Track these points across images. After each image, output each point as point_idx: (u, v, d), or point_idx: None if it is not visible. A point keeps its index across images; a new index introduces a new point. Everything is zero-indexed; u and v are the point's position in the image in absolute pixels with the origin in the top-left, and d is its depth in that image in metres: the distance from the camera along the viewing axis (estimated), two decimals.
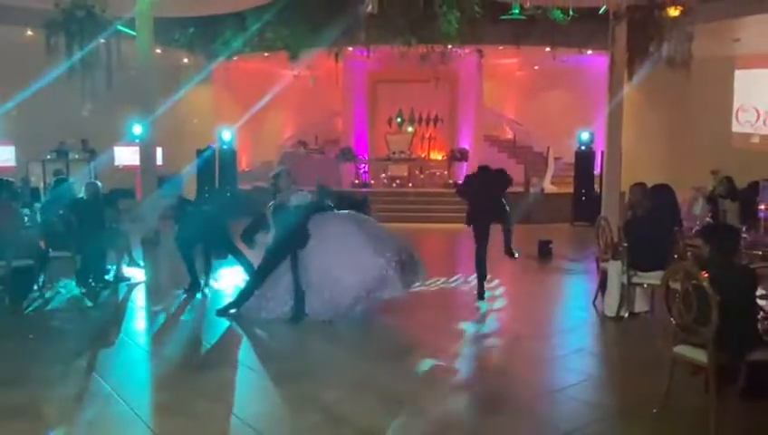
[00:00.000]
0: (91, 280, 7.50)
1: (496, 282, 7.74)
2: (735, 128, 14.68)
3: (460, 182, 7.56)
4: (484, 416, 4.27)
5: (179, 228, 7.59)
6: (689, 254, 5.95)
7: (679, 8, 7.67)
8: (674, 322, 4.04)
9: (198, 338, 5.93)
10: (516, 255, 7.73)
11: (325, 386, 4.64)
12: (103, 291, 7.47)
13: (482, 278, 7.23)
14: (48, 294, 7.19)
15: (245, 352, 5.67)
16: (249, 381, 4.94)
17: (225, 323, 6.26)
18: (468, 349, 5.66)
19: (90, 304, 7.02)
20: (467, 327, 6.28)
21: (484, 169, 7.73)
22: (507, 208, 7.44)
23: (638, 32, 8.15)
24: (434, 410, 4.32)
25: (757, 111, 14.23)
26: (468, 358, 5.39)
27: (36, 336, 5.90)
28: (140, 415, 4.14)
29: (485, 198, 7.24)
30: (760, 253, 5.93)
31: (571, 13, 12.68)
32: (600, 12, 10.86)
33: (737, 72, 14.35)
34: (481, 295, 7.17)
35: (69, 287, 7.47)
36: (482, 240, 7.16)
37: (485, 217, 7.21)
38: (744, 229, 6.84)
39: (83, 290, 7.32)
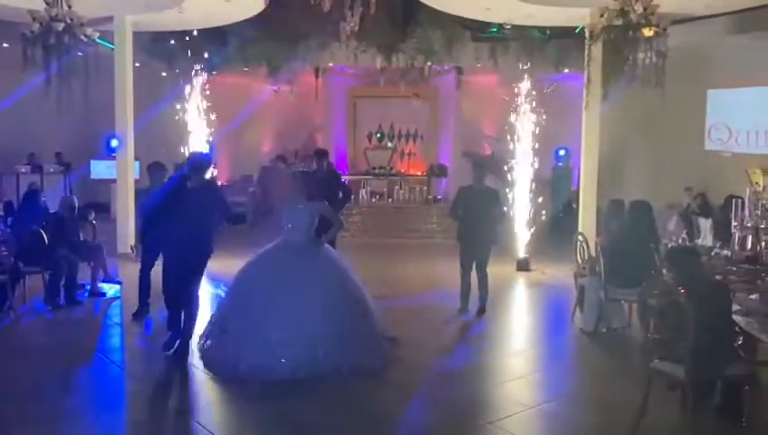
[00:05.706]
0: (60, 297, 7.34)
1: (474, 297, 7.76)
2: (708, 146, 14.96)
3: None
4: (459, 432, 4.25)
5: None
6: (665, 270, 6.01)
7: (654, 29, 7.82)
8: (651, 337, 4.08)
9: (174, 356, 5.83)
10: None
11: (304, 404, 4.59)
12: (74, 308, 7.31)
13: (465, 295, 7.28)
14: (20, 311, 7.04)
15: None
16: (226, 400, 4.87)
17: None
18: (445, 364, 5.64)
19: (52, 320, 6.86)
20: (445, 343, 6.28)
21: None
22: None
23: (614, 51, 8.29)
24: (408, 425, 4.30)
25: (729, 129, 14.52)
26: (445, 373, 5.38)
27: (7, 353, 5.77)
28: None
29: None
30: (734, 269, 6.01)
31: (548, 32, 12.92)
32: (577, 31, 11.07)
33: (709, 92, 14.65)
34: (462, 310, 7.20)
35: (41, 304, 7.31)
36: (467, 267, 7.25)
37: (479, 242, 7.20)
38: (718, 246, 6.96)
39: (50, 307, 7.17)
